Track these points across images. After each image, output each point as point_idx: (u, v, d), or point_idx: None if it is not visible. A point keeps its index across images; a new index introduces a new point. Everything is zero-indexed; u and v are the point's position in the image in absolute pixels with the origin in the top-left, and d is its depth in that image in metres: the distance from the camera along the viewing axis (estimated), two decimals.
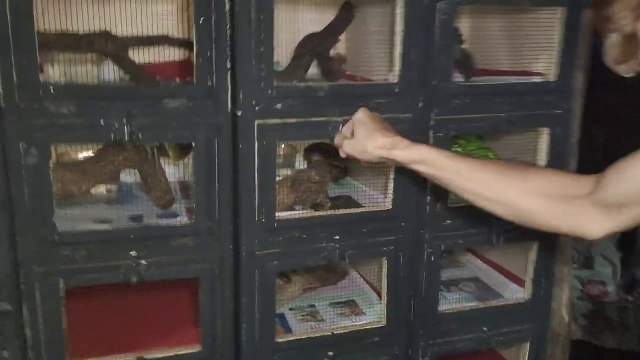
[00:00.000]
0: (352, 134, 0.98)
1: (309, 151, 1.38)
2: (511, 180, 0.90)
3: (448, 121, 1.09)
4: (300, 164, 1.37)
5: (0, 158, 0.86)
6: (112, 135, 0.90)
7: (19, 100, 0.85)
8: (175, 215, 1.09)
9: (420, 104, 1.07)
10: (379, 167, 1.19)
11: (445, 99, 1.09)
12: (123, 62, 1.09)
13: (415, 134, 1.06)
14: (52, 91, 0.86)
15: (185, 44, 1.19)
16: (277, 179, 1.23)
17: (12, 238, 0.89)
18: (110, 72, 1.15)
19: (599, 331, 2.95)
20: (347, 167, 1.35)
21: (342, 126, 1.00)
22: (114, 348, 0.99)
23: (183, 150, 1.24)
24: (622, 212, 0.88)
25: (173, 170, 1.24)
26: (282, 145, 1.39)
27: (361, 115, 0.97)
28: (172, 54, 1.22)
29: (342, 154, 1.00)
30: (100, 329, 1.03)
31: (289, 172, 1.35)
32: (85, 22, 1.07)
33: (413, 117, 1.07)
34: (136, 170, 1.13)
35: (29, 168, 0.87)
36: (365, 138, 0.95)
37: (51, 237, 0.91)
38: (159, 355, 1.00)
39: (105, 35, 1.07)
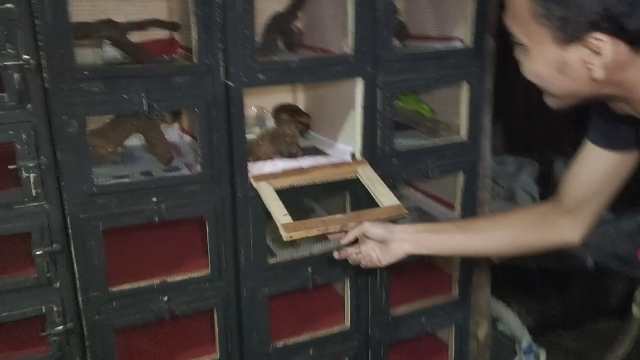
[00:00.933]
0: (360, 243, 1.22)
1: (277, 111, 1.65)
2: (497, 231, 1.17)
3: (392, 82, 1.39)
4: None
5: (48, 129, 1.08)
6: (134, 107, 1.14)
7: (60, 83, 1.07)
8: (177, 169, 1.34)
9: (369, 69, 1.35)
10: (337, 122, 1.48)
11: (388, 64, 1.38)
12: (125, 45, 1.31)
13: (367, 94, 1.36)
14: (85, 73, 1.09)
15: (170, 25, 1.41)
16: (253, 136, 1.50)
17: (60, 193, 1.13)
18: (110, 53, 1.38)
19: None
20: (309, 123, 1.63)
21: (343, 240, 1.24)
22: (143, 275, 1.25)
23: (176, 115, 1.49)
24: (584, 210, 1.08)
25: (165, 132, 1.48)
26: (253, 108, 1.65)
27: (368, 230, 1.20)
28: (157, 34, 1.45)
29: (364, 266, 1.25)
30: (131, 260, 1.29)
31: (260, 129, 1.62)
32: (85, 13, 1.28)
33: (364, 80, 1.36)
34: (140, 135, 1.38)
35: (70, 136, 1.10)
36: (384, 252, 1.21)
37: (90, 191, 1.15)
38: (178, 278, 1.27)
39: (109, 23, 1.28)
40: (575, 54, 0.84)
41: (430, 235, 1.24)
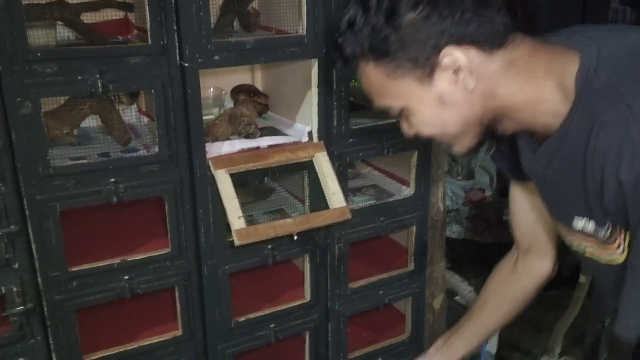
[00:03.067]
0: None
1: (235, 91, 1.67)
2: (492, 307, 1.26)
3: None
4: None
5: (1, 110, 1.08)
6: (89, 88, 1.14)
7: (13, 64, 1.07)
8: (135, 150, 1.35)
9: (324, 50, 1.39)
10: (294, 102, 1.51)
11: None
12: (78, 25, 1.31)
13: (322, 74, 1.40)
14: (38, 55, 1.08)
15: (124, 5, 1.41)
16: (210, 116, 1.52)
17: (16, 175, 1.13)
18: (62, 34, 1.37)
19: (481, 230, 3.52)
20: (267, 104, 1.66)
21: None
22: (103, 255, 1.26)
23: (133, 96, 1.49)
24: (540, 242, 1.15)
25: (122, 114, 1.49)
26: (211, 89, 1.66)
27: None
28: (111, 15, 1.44)
29: None
30: (90, 241, 1.30)
31: (218, 110, 1.64)
32: None
33: (319, 61, 1.39)
34: (97, 116, 1.38)
35: (24, 117, 1.10)
36: None
37: (46, 172, 1.15)
38: (138, 257, 1.29)
39: (62, 3, 1.27)
40: (442, 80, 0.87)
41: (456, 344, 1.32)
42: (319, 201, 1.45)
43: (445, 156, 1.81)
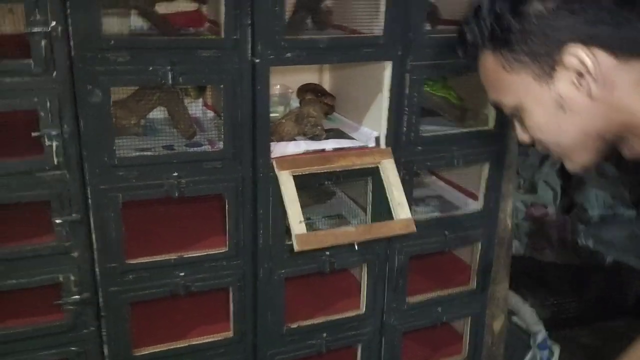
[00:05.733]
0: None
1: (302, 90, 1.62)
2: None
3: (421, 67, 1.35)
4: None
5: (72, 98, 1.07)
6: (159, 79, 1.12)
7: (86, 51, 1.05)
8: (199, 144, 1.33)
9: (400, 52, 1.32)
10: (363, 105, 1.45)
11: (419, 49, 1.34)
12: (151, 15, 1.29)
13: (395, 78, 1.33)
14: (111, 43, 1.07)
15: None
16: (277, 115, 1.48)
17: (81, 163, 1.12)
18: (136, 23, 1.36)
19: (541, 248, 3.35)
20: (334, 105, 1.61)
21: None
22: (160, 249, 1.24)
23: (200, 90, 1.47)
24: None
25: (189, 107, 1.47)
26: (278, 86, 1.63)
27: None
28: (184, 6, 1.43)
29: None
30: (149, 234, 1.28)
31: (284, 108, 1.60)
32: None
33: (394, 64, 1.32)
34: (164, 108, 1.36)
35: (94, 106, 1.09)
36: None
37: (111, 162, 1.14)
38: (195, 254, 1.26)
39: None
40: (563, 81, 0.81)
41: None
42: (381, 210, 1.38)
43: (515, 170, 1.71)
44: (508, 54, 0.83)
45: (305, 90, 1.60)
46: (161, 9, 1.35)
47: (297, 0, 1.41)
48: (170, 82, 1.12)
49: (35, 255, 1.12)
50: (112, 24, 1.31)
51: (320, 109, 1.49)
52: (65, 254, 1.15)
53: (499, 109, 0.93)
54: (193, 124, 1.36)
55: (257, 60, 1.18)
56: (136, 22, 1.37)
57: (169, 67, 1.11)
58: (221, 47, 1.15)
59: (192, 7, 1.44)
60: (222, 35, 1.15)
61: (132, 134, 1.30)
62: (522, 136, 0.91)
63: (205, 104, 1.53)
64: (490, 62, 0.86)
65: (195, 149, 1.29)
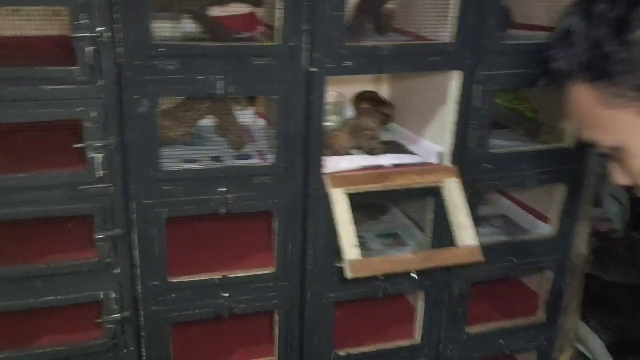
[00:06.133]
0: None
1: (358, 99, 1.52)
2: None
3: (493, 77, 1.22)
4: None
5: (119, 108, 1.01)
6: (209, 89, 1.04)
7: (134, 59, 0.99)
8: (249, 157, 1.25)
9: (470, 61, 1.19)
10: (425, 116, 1.33)
11: (492, 56, 1.21)
12: (204, 20, 1.22)
13: (464, 89, 1.21)
14: (161, 50, 1.00)
15: (254, 1, 1.30)
16: (329, 123, 1.38)
17: (125, 177, 1.06)
18: (187, 28, 1.29)
19: (606, 266, 3.13)
20: (392, 114, 1.50)
21: None
22: (204, 267, 1.17)
23: (251, 99, 1.39)
24: None
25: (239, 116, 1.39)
26: (333, 94, 1.53)
27: None
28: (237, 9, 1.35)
29: None
30: (193, 251, 1.22)
31: (338, 118, 1.50)
32: None
33: (463, 73, 1.20)
34: (214, 117, 1.29)
35: (141, 116, 1.02)
36: None
37: (157, 176, 1.07)
38: (240, 275, 1.18)
39: None
40: None
41: None
42: (443, 233, 1.27)
43: (593, 192, 1.55)
44: (608, 88, 0.71)
45: (362, 98, 1.50)
46: (214, 12, 1.28)
47: (358, 4, 1.31)
48: (221, 92, 1.05)
49: (75, 272, 1.07)
50: (163, 29, 1.25)
51: (377, 119, 1.39)
52: (107, 271, 1.09)
53: (591, 146, 0.80)
54: (243, 135, 1.28)
55: (314, 70, 1.09)
56: (188, 26, 1.30)
57: (220, 77, 1.04)
58: (276, 54, 1.06)
59: (246, 10, 1.36)
60: (278, 42, 1.06)
61: (180, 143, 1.24)
62: (620, 179, 0.79)
63: (256, 113, 1.45)
64: (584, 96, 0.74)
65: (245, 161, 1.21)
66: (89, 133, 1.00)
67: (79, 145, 1.00)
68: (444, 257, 1.14)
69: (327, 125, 1.42)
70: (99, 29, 0.95)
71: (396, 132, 1.46)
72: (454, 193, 1.21)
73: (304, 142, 1.15)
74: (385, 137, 1.41)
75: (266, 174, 1.14)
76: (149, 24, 0.98)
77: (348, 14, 1.28)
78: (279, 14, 1.04)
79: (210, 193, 1.11)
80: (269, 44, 1.08)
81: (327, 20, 1.06)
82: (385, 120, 1.48)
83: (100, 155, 1.01)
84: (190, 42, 1.12)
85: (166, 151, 1.13)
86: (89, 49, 0.95)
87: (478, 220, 1.50)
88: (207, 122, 1.35)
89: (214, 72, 1.03)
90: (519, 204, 1.56)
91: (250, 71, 1.06)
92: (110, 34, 0.96)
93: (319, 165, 1.16)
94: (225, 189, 1.12)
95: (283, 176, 1.15)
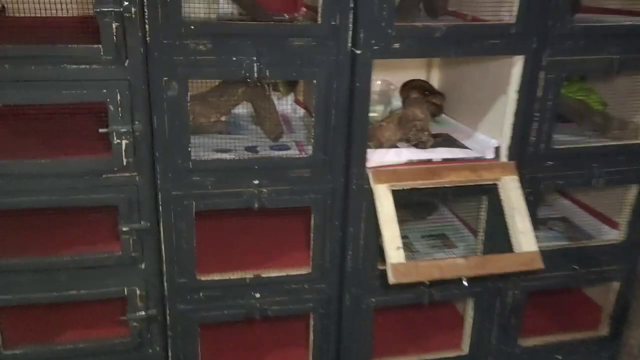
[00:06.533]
0: None
1: (406, 87, 1.40)
2: None
3: (560, 62, 1.09)
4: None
5: (145, 91, 0.93)
6: (243, 72, 0.95)
7: (163, 37, 0.91)
8: (286, 147, 1.16)
9: (534, 45, 1.06)
10: (480, 107, 1.21)
11: (559, 39, 1.07)
12: None
13: (526, 76, 1.08)
14: (192, 28, 0.91)
15: None
16: (375, 114, 1.28)
17: (153, 165, 0.98)
18: (225, 8, 1.20)
19: None
20: (443, 105, 1.37)
21: None
22: (235, 265, 1.09)
23: (291, 85, 1.30)
24: None
25: (277, 103, 1.30)
26: (378, 82, 1.42)
27: None
28: None
29: None
30: (223, 248, 1.14)
31: (383, 108, 1.39)
32: None
33: (526, 58, 1.07)
34: (249, 104, 1.20)
35: (170, 100, 0.95)
36: None
37: (186, 165, 0.99)
38: (274, 275, 1.10)
39: None
40: None
41: None
42: (497, 236, 1.14)
43: None
44: None
45: (410, 87, 1.38)
46: None
47: None
48: (255, 75, 0.96)
49: (99, 265, 1.01)
50: (198, 9, 1.17)
51: (427, 110, 1.27)
52: (132, 266, 1.02)
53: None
54: (280, 123, 1.19)
55: (359, 52, 0.99)
56: (226, 7, 1.21)
57: (254, 58, 0.95)
58: (316, 34, 0.96)
59: None
60: (320, 21, 0.96)
61: (213, 132, 1.16)
62: None
63: (296, 100, 1.36)
64: None
65: (281, 153, 1.12)
66: (114, 117, 0.93)
67: (103, 130, 0.93)
68: (499, 264, 1.02)
69: (372, 116, 1.33)
70: (126, 3, 0.88)
71: (447, 124, 1.34)
72: (512, 192, 1.09)
73: (346, 133, 1.05)
74: (436, 129, 1.30)
75: (303, 167, 1.04)
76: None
77: None
78: None
79: (243, 185, 1.03)
80: (308, 22, 0.98)
81: None
82: (436, 111, 1.36)
83: (126, 141, 0.94)
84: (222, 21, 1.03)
85: (197, 139, 1.04)
86: (114, 25, 0.88)
87: (536, 223, 1.37)
88: (243, 109, 1.27)
89: (249, 53, 0.94)
90: (583, 205, 1.42)
91: (288, 53, 0.96)
92: (137, 9, 0.89)
93: (361, 159, 1.06)
94: (258, 182, 1.03)
95: (322, 169, 1.05)
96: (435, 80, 1.44)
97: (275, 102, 1.22)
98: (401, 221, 1.36)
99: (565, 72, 1.10)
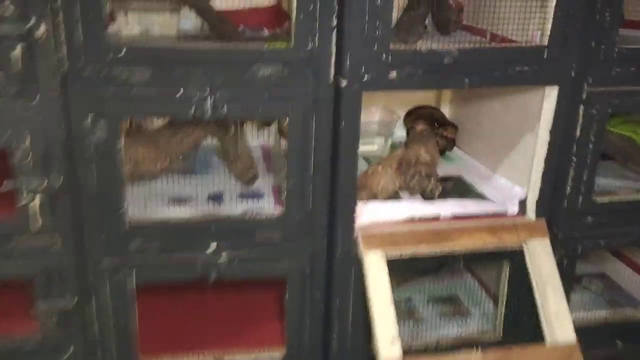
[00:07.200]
0: None
1: (411, 116, 1.17)
2: None
3: (605, 94, 0.86)
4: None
5: (64, 133, 0.72)
6: (192, 109, 0.73)
7: (86, 64, 0.69)
8: (259, 194, 0.93)
9: (573, 73, 0.83)
10: (502, 144, 0.97)
11: (605, 65, 0.84)
12: (205, 12, 0.91)
13: (562, 110, 0.84)
14: (123, 54, 0.70)
15: None
16: (372, 147, 1.06)
17: (79, 227, 0.77)
18: (186, 24, 0.98)
19: None
20: (455, 137, 1.14)
21: None
22: (190, 346, 0.88)
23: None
24: None
25: (256, 134, 1.09)
26: (378, 110, 1.19)
27: None
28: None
29: None
30: (174, 326, 0.92)
31: (384, 141, 1.16)
32: None
33: (560, 89, 0.83)
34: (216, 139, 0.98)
35: (97, 145, 0.73)
36: None
37: (121, 227, 0.77)
38: (240, 357, 0.88)
39: None
40: None
41: None
42: (523, 308, 0.91)
43: None
44: None
45: (417, 116, 1.15)
46: (225, 3, 0.97)
47: None
48: (209, 112, 0.74)
49: (14, 353, 0.79)
50: (156, 24, 0.95)
51: (435, 147, 1.04)
52: (55, 352, 0.81)
53: None
54: (254, 165, 0.97)
55: (344, 83, 0.76)
56: (187, 23, 1.00)
57: (207, 92, 0.73)
58: (289, 61, 0.74)
59: (271, 1, 1.05)
60: (292, 44, 0.74)
61: (173, 173, 0.94)
62: None
63: (280, 130, 1.13)
64: None
65: (254, 201, 0.90)
66: (23, 168, 0.71)
67: (9, 184, 0.72)
68: (525, 358, 0.78)
69: (369, 150, 1.11)
70: (32, 21, 0.66)
71: (460, 161, 1.11)
72: (542, 260, 0.85)
73: (329, 184, 0.82)
74: (446, 167, 1.07)
75: (274, 228, 0.82)
76: (102, 14, 0.68)
77: (398, 5, 0.94)
78: (294, 4, 0.72)
79: (197, 251, 0.81)
80: (280, 45, 0.76)
81: (363, 12, 0.73)
82: (446, 145, 1.13)
83: (39, 197, 0.73)
84: (172, 42, 0.81)
85: (143, 187, 0.83)
86: (18, 50, 0.67)
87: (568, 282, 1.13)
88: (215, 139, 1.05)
89: (200, 85, 0.72)
90: (627, 259, 1.17)
91: (252, 84, 0.74)
92: (48, 28, 0.67)
93: (349, 217, 0.83)
94: (216, 246, 0.81)
95: (297, 231, 0.82)
96: (447, 108, 1.20)
97: (252, 134, 1.00)
98: (402, 280, 1.14)
99: (611, 107, 0.87)
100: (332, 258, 0.85)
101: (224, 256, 0.81)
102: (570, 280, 0.94)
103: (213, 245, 0.81)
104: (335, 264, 0.85)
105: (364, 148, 1.11)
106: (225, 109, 0.74)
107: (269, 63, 0.74)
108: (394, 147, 1.15)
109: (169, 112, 0.76)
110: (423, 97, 1.20)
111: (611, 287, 1.16)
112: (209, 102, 0.74)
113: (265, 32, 1.01)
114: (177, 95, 0.73)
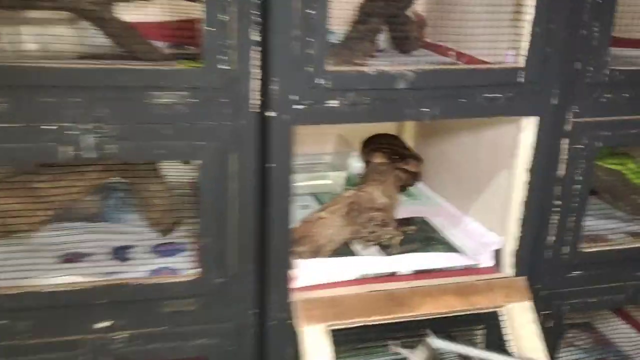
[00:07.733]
0: None
1: (369, 146, 1.02)
2: None
3: (595, 125, 0.71)
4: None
5: None
6: (69, 149, 0.56)
7: None
8: (178, 248, 0.76)
9: (555, 100, 0.68)
10: (473, 182, 0.82)
11: (593, 91, 0.70)
12: (107, 23, 0.74)
13: (542, 145, 0.69)
14: None
15: None
16: (327, 182, 0.90)
17: None
18: (98, 34, 0.80)
19: None
20: (420, 171, 0.99)
21: None
22: None
23: None
24: None
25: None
26: (332, 138, 1.04)
27: None
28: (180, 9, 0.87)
29: None
30: None
31: (339, 175, 1.00)
32: None
33: (540, 120, 0.68)
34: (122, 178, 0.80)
35: None
36: None
37: None
38: None
39: None
40: None
41: None
42: None
43: None
44: None
45: (375, 147, 1.00)
46: (137, 11, 0.80)
47: (362, 4, 0.81)
48: (93, 153, 0.56)
49: None
50: (61, 37, 0.77)
51: (394, 185, 0.88)
52: None
53: None
54: (173, 210, 0.79)
55: (273, 114, 0.59)
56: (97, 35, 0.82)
57: (89, 127, 0.55)
58: (197, 85, 0.57)
59: (193, 10, 0.88)
60: (203, 62, 0.57)
61: (78, 219, 0.75)
62: None
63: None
64: None
65: (167, 260, 0.72)
66: None
67: None
68: None
69: (323, 186, 0.95)
70: None
71: (426, 200, 0.96)
72: (523, 328, 0.70)
73: (259, 238, 0.65)
74: (408, 206, 0.91)
75: (187, 295, 0.64)
76: None
77: (344, 17, 0.79)
78: (205, 12, 0.55)
79: (83, 330, 0.62)
80: (187, 65, 0.59)
81: (296, 23, 0.57)
82: (407, 180, 0.98)
83: None
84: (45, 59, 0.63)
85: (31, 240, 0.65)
86: None
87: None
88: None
89: (79, 118, 0.55)
90: (625, 316, 1.02)
91: (149, 116, 0.57)
92: None
93: (282, 279, 0.66)
94: (109, 323, 0.62)
95: (216, 298, 0.65)
96: (411, 137, 1.05)
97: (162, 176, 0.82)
98: (353, 348, 0.96)
99: (600, 140, 0.72)
100: (263, 333, 0.68)
101: (118, 336, 0.63)
102: (555, 346, 0.79)
103: (105, 322, 0.63)
104: (268, 340, 0.68)
105: (316, 183, 0.96)
106: (114, 149, 0.57)
107: (171, 88, 0.57)
108: (351, 180, 0.99)
109: (33, 155, 0.58)
110: (382, 125, 1.04)
111: (600, 341, 1.01)
112: (92, 141, 0.56)
113: (189, 48, 0.84)
114: (46, 131, 0.55)
